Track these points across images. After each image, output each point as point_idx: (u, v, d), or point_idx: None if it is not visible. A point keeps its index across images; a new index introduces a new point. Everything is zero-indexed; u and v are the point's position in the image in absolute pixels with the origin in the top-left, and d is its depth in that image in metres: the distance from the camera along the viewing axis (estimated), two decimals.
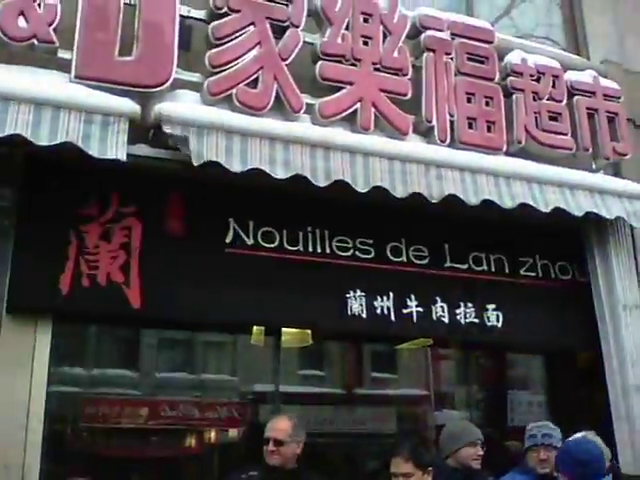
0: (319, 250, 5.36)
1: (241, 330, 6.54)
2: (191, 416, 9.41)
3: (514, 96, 5.63)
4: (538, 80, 5.77)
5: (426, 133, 5.27)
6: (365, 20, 5.16)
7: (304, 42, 4.94)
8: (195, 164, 4.35)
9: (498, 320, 5.76)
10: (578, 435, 4.22)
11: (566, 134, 5.76)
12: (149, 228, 4.84)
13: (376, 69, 5.11)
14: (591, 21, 7.08)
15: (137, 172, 4.66)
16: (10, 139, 3.94)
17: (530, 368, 8.52)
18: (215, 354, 11.26)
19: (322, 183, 4.65)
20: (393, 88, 5.15)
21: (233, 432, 9.60)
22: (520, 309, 5.84)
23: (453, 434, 4.55)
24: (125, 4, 4.48)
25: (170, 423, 9.26)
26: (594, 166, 5.95)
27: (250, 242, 5.14)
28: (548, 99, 5.77)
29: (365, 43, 5.12)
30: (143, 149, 4.67)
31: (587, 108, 5.92)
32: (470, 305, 5.70)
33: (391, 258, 5.57)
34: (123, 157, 4.16)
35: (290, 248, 5.26)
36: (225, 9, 4.69)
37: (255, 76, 4.69)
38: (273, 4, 4.88)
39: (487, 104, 5.48)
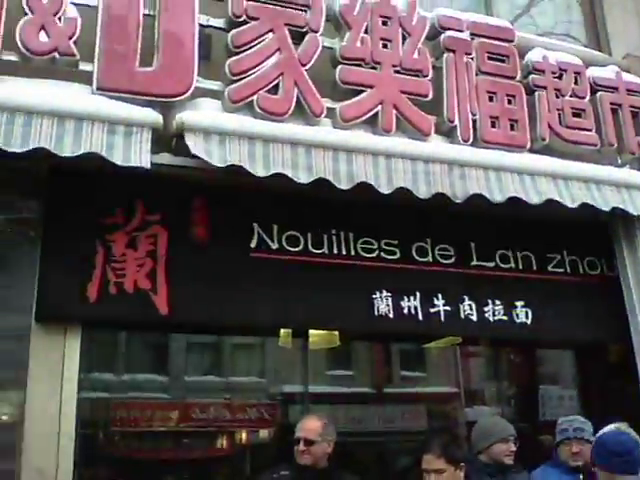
0: (344, 252, 5.35)
1: (268, 333, 6.58)
2: (221, 418, 9.51)
3: (536, 94, 5.57)
4: (560, 77, 5.71)
5: (448, 133, 5.24)
6: (384, 23, 5.13)
7: (323, 47, 4.93)
8: (219, 165, 4.36)
9: (527, 317, 5.72)
10: (611, 427, 4.20)
11: (590, 130, 5.70)
12: (174, 235, 4.87)
13: (396, 71, 5.08)
14: (612, 16, 6.99)
15: (161, 180, 4.70)
16: (34, 152, 3.98)
17: (560, 363, 8.49)
18: (243, 357, 11.35)
19: (345, 186, 4.64)
20: (414, 89, 5.12)
21: (263, 433, 9.68)
22: (549, 305, 5.79)
23: (485, 430, 4.54)
24: (144, 15, 4.50)
25: (201, 425, 9.35)
26: (619, 161, 5.89)
27: (275, 246, 5.15)
28: (571, 96, 5.70)
29: (384, 46, 5.09)
30: (166, 158, 4.69)
31: (610, 103, 5.84)
32: (498, 302, 5.66)
33: (417, 258, 5.55)
34: (147, 164, 4.19)
35: (315, 251, 5.25)
36: (244, 17, 4.69)
37: (275, 82, 4.69)
38: (291, 10, 4.87)
39: (509, 102, 5.43)
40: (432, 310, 5.43)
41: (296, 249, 5.21)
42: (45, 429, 4.32)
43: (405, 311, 5.35)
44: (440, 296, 5.48)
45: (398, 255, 5.50)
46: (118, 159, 4.12)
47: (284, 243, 5.19)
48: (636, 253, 5.80)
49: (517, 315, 5.70)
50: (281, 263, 5.13)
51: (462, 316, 5.52)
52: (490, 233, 5.77)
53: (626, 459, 3.55)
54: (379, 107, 4.95)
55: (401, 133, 5.04)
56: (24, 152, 3.95)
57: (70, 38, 4.25)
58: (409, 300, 5.38)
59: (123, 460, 8.50)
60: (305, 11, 4.91)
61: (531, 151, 5.45)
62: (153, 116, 4.33)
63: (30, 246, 4.60)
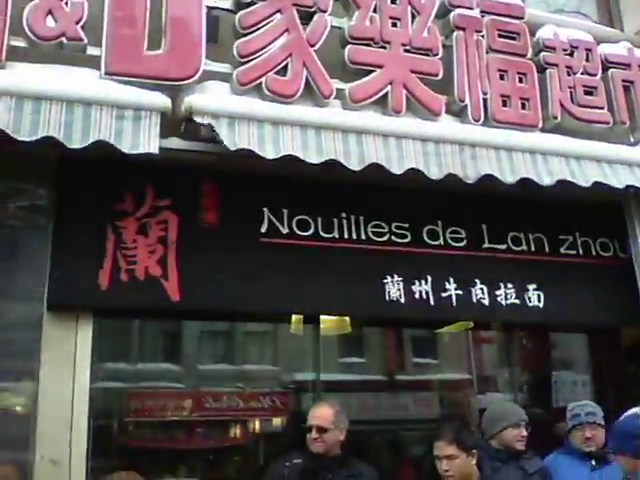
0: (354, 236, 5.33)
1: (279, 319, 6.57)
2: (235, 407, 9.51)
3: (548, 71, 5.50)
4: (571, 54, 5.64)
5: (459, 113, 5.18)
6: (393, 1, 5.07)
7: (332, 27, 4.88)
8: (232, 149, 4.32)
9: (540, 300, 5.68)
10: (629, 412, 4.18)
11: (602, 108, 5.64)
12: (185, 221, 4.87)
13: (406, 50, 5.02)
14: None
15: (170, 165, 4.68)
16: (43, 140, 3.96)
17: (574, 348, 8.43)
18: (256, 345, 11.36)
19: (356, 167, 4.59)
20: (424, 69, 5.07)
21: (276, 421, 9.68)
22: (562, 288, 5.76)
23: (497, 415, 4.52)
24: None
25: (214, 414, 9.36)
26: (632, 139, 5.82)
27: (285, 231, 5.13)
28: (582, 73, 5.63)
29: (394, 25, 5.04)
30: (175, 142, 4.67)
31: (623, 80, 5.77)
32: (510, 286, 5.63)
33: (428, 242, 5.52)
34: (156, 150, 4.15)
35: (325, 235, 5.23)
36: None
37: (284, 64, 4.65)
38: None
39: (520, 80, 5.37)
40: (444, 295, 5.41)
41: (306, 234, 5.19)
42: (58, 419, 4.34)
43: (417, 296, 5.33)
44: (452, 280, 5.46)
45: (409, 239, 5.48)
46: (126, 146, 4.09)
47: (294, 228, 5.18)
48: None
49: (529, 298, 5.67)
50: (292, 248, 5.12)
51: (474, 300, 5.49)
52: (502, 215, 5.73)
53: None
54: (389, 87, 4.90)
55: (411, 114, 5.00)
56: (33, 140, 3.93)
57: (77, 23, 4.22)
58: (420, 285, 5.37)
59: (136, 450, 8.52)
60: None
61: (542, 130, 5.39)
62: (162, 100, 4.30)
63: (41, 234, 4.60)
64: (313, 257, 5.16)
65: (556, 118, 5.43)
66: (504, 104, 5.28)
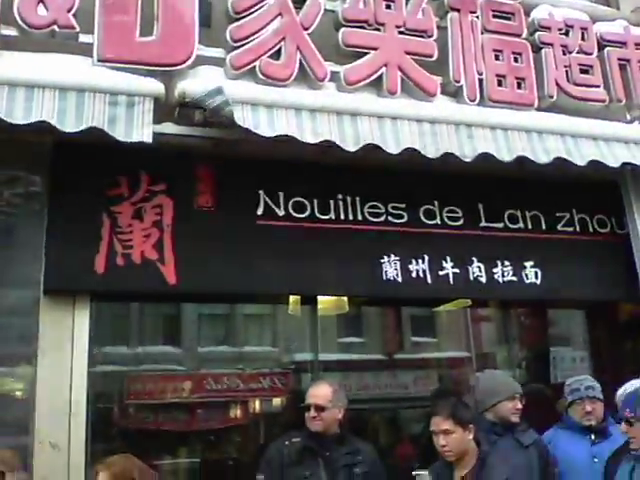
0: (351, 217, 5.33)
1: (277, 301, 6.58)
2: (235, 388, 9.55)
3: (543, 51, 5.48)
4: (567, 34, 5.62)
5: (455, 93, 5.18)
6: None
7: (325, 10, 4.86)
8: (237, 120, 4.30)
9: (537, 277, 5.70)
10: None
11: (598, 86, 5.62)
12: (180, 205, 4.87)
13: (400, 32, 5.01)
14: None
15: (165, 150, 4.67)
16: (37, 126, 3.95)
17: (571, 324, 8.46)
18: (255, 326, 11.40)
19: (352, 148, 4.58)
20: (419, 50, 5.06)
21: (276, 401, 9.73)
22: (559, 264, 5.78)
23: (491, 388, 4.48)
24: None
25: (215, 396, 9.40)
26: (628, 117, 5.80)
27: (281, 213, 5.14)
28: (578, 52, 5.61)
29: (388, 6, 5.01)
30: (170, 127, 4.67)
31: (618, 59, 5.75)
32: (507, 263, 5.64)
33: (425, 221, 5.53)
34: (149, 139, 4.14)
35: (322, 217, 5.24)
36: None
37: (278, 47, 4.64)
38: None
39: (516, 60, 5.36)
40: (441, 273, 5.42)
41: (303, 215, 5.20)
42: (57, 403, 4.36)
43: (414, 275, 5.35)
44: (449, 259, 5.47)
45: (406, 219, 5.48)
46: (120, 134, 4.09)
47: (290, 210, 5.17)
48: None
49: (526, 275, 5.69)
50: (288, 230, 5.13)
51: (471, 278, 5.51)
52: (498, 193, 5.73)
53: None
54: (383, 69, 4.90)
55: (407, 95, 4.99)
56: (27, 126, 3.92)
57: (69, 11, 4.20)
58: (417, 264, 5.38)
59: (137, 433, 8.58)
60: None
61: (538, 109, 5.38)
62: (155, 86, 4.29)
63: (36, 220, 4.60)
64: (310, 239, 5.17)
65: (552, 97, 5.42)
66: (499, 84, 5.28)
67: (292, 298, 6.16)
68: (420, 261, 5.38)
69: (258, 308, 10.11)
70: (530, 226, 5.86)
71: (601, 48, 5.74)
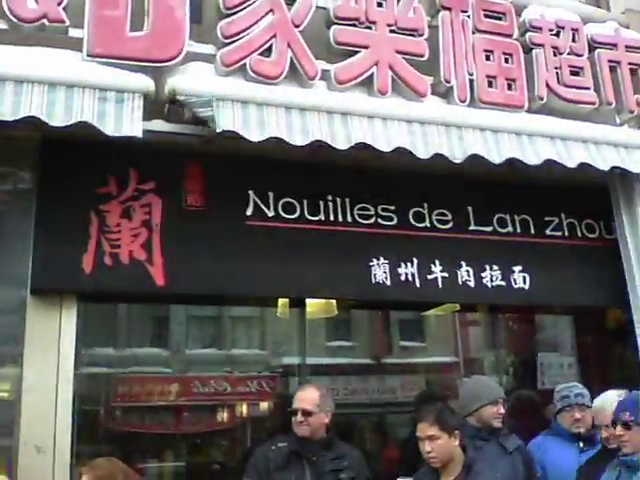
0: (340, 219, 5.31)
1: (265, 303, 6.54)
2: (222, 391, 9.50)
3: (534, 52, 5.48)
4: (558, 35, 5.62)
5: (445, 94, 5.18)
6: None
7: (317, 7, 4.84)
8: (217, 131, 4.28)
9: (525, 282, 5.70)
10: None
11: (588, 88, 5.62)
12: (169, 204, 4.83)
13: (391, 31, 4.99)
14: None
15: (154, 148, 4.64)
16: (26, 122, 3.92)
17: (559, 330, 8.47)
18: (243, 329, 11.35)
19: (343, 146, 4.56)
20: (410, 49, 5.04)
21: (264, 405, 9.68)
22: (547, 269, 5.76)
23: (474, 393, 4.49)
24: None
25: (202, 399, 9.35)
26: (618, 120, 5.80)
27: (271, 214, 5.11)
28: (569, 54, 5.61)
29: (379, 5, 5.00)
30: (159, 124, 4.64)
31: (609, 61, 5.75)
32: (496, 268, 5.64)
33: (414, 224, 5.51)
34: (139, 133, 4.11)
35: (311, 218, 5.21)
36: None
37: (268, 44, 4.61)
38: None
39: (506, 61, 5.36)
40: (430, 277, 5.41)
41: (292, 216, 5.17)
42: (42, 405, 4.31)
43: (402, 278, 5.33)
44: (437, 262, 5.46)
45: (395, 221, 5.46)
46: (109, 128, 4.05)
47: (280, 211, 5.15)
48: (635, 215, 5.75)
49: (515, 280, 5.68)
50: (277, 231, 5.10)
51: (460, 282, 5.50)
52: (487, 197, 5.72)
53: None
54: (374, 68, 4.88)
55: (397, 95, 4.97)
56: (16, 121, 3.88)
57: (59, 4, 4.18)
58: (406, 267, 5.36)
59: (123, 435, 8.51)
60: None
61: (529, 111, 5.38)
62: (144, 82, 4.27)
63: (24, 218, 4.56)
64: (299, 240, 5.13)
65: (542, 99, 5.42)
66: (490, 85, 5.27)
67: (280, 301, 6.13)
68: (409, 264, 5.37)
69: (246, 310, 10.06)
70: (519, 230, 5.86)
71: (591, 50, 5.75)
